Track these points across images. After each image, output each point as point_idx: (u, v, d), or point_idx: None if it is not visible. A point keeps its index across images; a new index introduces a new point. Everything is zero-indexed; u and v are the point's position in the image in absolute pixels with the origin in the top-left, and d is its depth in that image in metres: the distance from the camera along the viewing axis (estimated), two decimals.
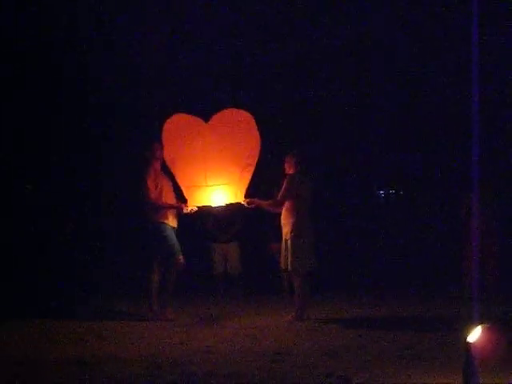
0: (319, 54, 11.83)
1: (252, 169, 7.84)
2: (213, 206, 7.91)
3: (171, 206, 7.98)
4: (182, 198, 8.03)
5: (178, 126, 7.91)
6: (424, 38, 11.64)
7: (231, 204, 7.96)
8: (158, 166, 7.98)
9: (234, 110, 8.00)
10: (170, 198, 8.00)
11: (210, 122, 7.90)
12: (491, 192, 9.31)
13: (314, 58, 11.92)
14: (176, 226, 8.02)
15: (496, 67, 10.39)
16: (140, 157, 8.04)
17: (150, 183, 7.86)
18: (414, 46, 11.79)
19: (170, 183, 8.02)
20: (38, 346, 6.71)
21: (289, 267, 7.85)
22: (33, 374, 5.62)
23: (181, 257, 7.91)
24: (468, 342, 4.55)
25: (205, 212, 8.40)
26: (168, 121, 7.92)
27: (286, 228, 7.89)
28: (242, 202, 7.89)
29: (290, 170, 7.98)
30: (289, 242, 7.83)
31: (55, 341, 6.94)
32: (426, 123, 12.31)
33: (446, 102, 11.69)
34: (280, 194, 7.90)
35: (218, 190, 7.79)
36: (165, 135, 7.89)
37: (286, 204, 7.88)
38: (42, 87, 11.37)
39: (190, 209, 7.95)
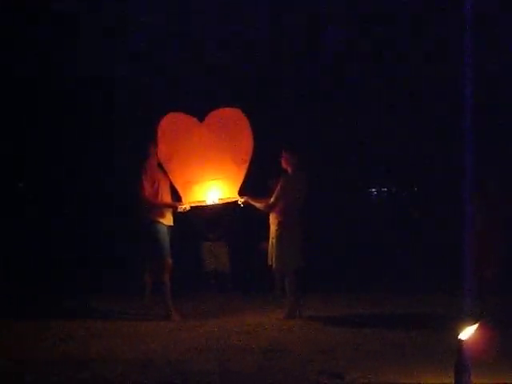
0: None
1: (246, 165, 7.88)
2: (208, 203, 7.91)
3: (166, 205, 7.95)
4: (176, 197, 8.02)
5: (173, 124, 7.92)
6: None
7: (226, 202, 7.98)
8: (153, 163, 7.95)
9: (228, 109, 8.04)
10: (166, 195, 7.99)
11: (204, 121, 7.95)
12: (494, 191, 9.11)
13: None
14: (172, 223, 8.02)
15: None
16: (137, 155, 8.05)
17: (145, 181, 7.84)
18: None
19: (167, 181, 8.00)
20: (29, 344, 6.70)
21: (274, 265, 7.91)
22: (24, 372, 5.60)
23: (169, 259, 7.92)
24: (460, 340, 4.57)
25: (195, 211, 8.38)
26: (163, 119, 7.91)
27: (273, 226, 7.91)
28: (238, 200, 7.90)
29: (286, 166, 7.98)
30: (275, 240, 7.85)
31: (47, 339, 6.93)
32: (421, 121, 12.31)
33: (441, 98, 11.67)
34: (274, 195, 7.89)
35: (214, 184, 7.82)
36: (160, 133, 7.87)
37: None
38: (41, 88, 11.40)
39: (183, 207, 7.93)
